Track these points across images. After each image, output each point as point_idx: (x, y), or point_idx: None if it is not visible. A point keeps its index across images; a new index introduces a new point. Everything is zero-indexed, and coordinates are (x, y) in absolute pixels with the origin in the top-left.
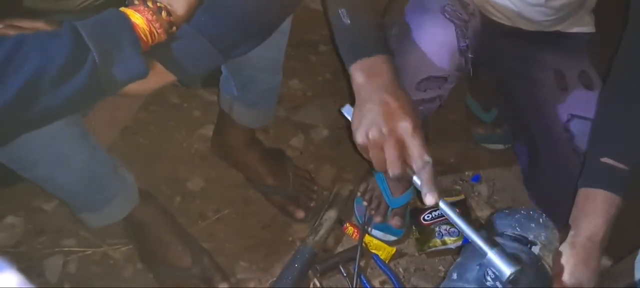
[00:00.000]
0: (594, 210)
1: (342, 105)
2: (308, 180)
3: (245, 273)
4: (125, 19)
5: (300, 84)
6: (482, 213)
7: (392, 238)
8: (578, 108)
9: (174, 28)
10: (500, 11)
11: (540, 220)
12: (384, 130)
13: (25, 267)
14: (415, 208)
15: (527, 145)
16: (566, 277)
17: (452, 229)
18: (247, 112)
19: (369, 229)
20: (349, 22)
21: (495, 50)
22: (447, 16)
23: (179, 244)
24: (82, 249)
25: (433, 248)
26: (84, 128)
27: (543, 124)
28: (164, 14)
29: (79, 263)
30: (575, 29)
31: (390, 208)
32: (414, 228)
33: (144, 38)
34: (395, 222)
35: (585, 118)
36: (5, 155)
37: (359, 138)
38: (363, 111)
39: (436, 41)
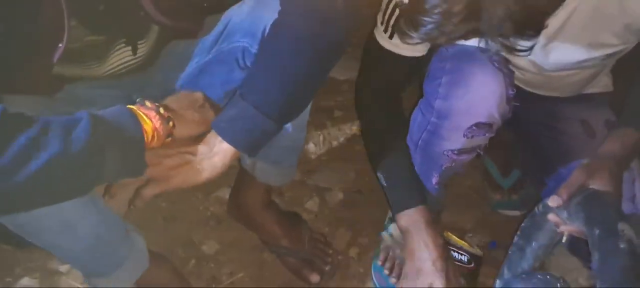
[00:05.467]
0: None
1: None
2: (323, 243)
3: None
4: (138, 123)
5: (315, 148)
6: None
7: None
8: None
9: (170, 139)
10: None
11: (558, 285)
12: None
13: None
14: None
15: None
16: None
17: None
18: (270, 170)
19: None
20: (386, 184)
21: (519, 106)
22: (496, 65)
23: None
24: None
25: None
26: (93, 193)
27: None
28: (170, 123)
29: None
30: (594, 91)
31: None
32: None
33: (147, 141)
34: None
35: None
36: (12, 222)
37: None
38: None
39: (487, 89)
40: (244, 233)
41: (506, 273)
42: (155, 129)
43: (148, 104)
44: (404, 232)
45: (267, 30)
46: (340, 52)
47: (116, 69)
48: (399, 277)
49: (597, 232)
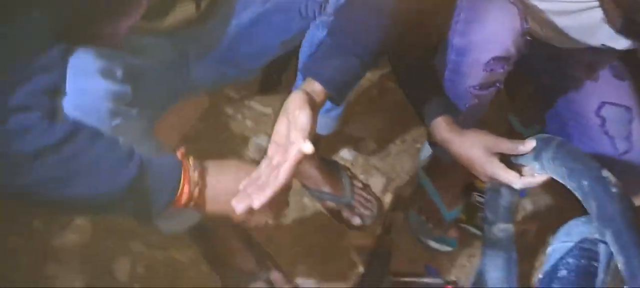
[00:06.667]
0: None
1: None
2: (363, 189)
3: (304, 276)
4: (177, 184)
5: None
6: (528, 227)
7: (449, 249)
8: (609, 95)
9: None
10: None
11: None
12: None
13: (94, 266)
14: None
15: (559, 133)
16: None
17: None
18: (320, 119)
19: (426, 240)
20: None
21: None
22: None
23: (244, 249)
24: (149, 252)
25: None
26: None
27: (575, 112)
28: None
29: (146, 264)
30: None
31: (446, 220)
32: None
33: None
34: (452, 233)
35: (617, 104)
36: None
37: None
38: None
39: (503, 22)
40: None
41: (491, 216)
42: (184, 193)
43: (190, 162)
44: (444, 141)
45: None
46: None
47: (177, 23)
48: (435, 224)
49: (585, 182)
